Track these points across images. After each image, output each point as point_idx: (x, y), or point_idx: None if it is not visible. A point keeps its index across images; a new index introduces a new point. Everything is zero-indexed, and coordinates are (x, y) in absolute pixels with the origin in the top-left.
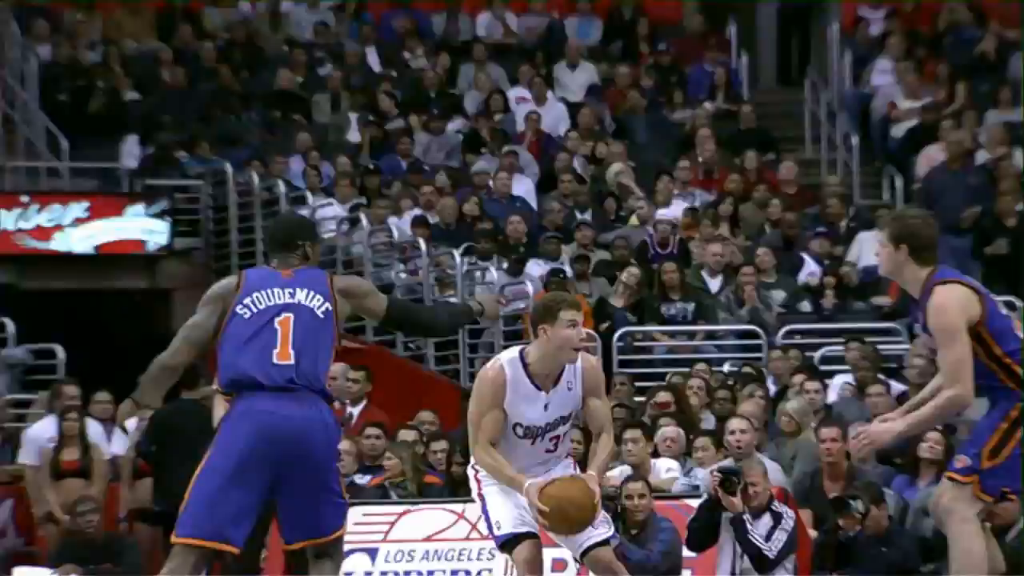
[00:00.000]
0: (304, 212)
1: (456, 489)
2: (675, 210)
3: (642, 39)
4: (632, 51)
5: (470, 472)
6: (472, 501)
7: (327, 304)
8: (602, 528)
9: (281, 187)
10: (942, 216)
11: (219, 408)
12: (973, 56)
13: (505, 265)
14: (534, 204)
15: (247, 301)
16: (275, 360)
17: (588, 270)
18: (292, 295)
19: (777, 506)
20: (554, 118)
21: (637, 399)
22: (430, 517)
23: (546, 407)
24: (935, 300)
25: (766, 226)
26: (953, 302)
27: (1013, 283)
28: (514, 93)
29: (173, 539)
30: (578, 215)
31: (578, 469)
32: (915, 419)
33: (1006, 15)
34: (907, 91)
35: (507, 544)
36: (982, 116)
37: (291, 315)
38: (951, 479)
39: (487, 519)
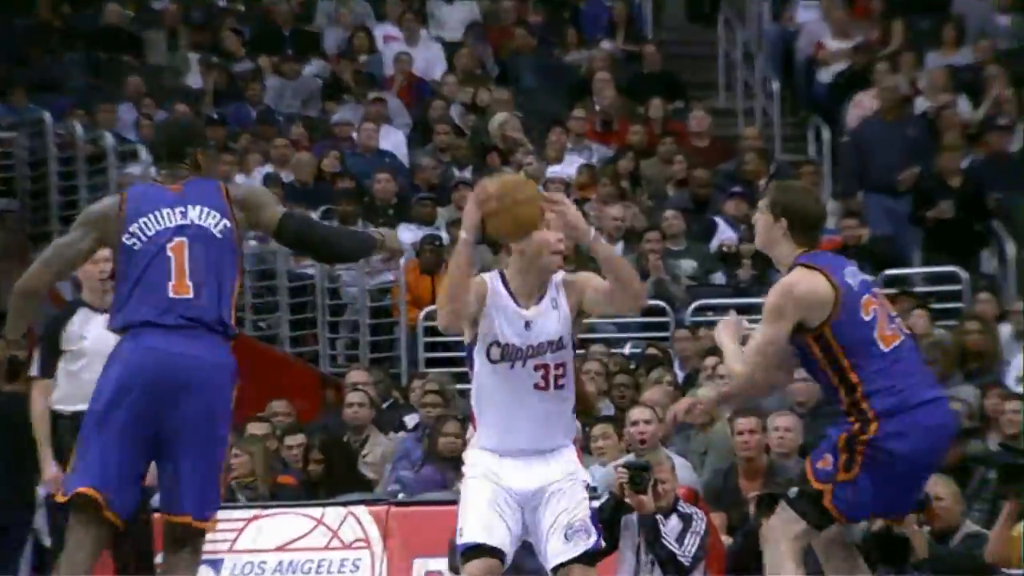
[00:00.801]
0: (136, 170)
1: (314, 491)
2: (569, 167)
3: None
4: None
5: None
6: (331, 504)
7: (224, 220)
8: (579, 540)
9: (109, 139)
10: (876, 174)
11: (36, 400)
12: None
13: (371, 230)
14: (405, 160)
15: (133, 228)
16: (171, 294)
17: None
18: (184, 214)
19: (684, 507)
20: (428, 60)
21: None
22: (284, 523)
23: (527, 325)
24: (781, 279)
25: (671, 186)
26: (795, 289)
27: (958, 251)
28: (381, 31)
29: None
30: (456, 172)
31: (581, 464)
32: (725, 391)
33: None
34: (835, 29)
35: (465, 555)
36: (922, 58)
37: (184, 239)
38: (789, 498)
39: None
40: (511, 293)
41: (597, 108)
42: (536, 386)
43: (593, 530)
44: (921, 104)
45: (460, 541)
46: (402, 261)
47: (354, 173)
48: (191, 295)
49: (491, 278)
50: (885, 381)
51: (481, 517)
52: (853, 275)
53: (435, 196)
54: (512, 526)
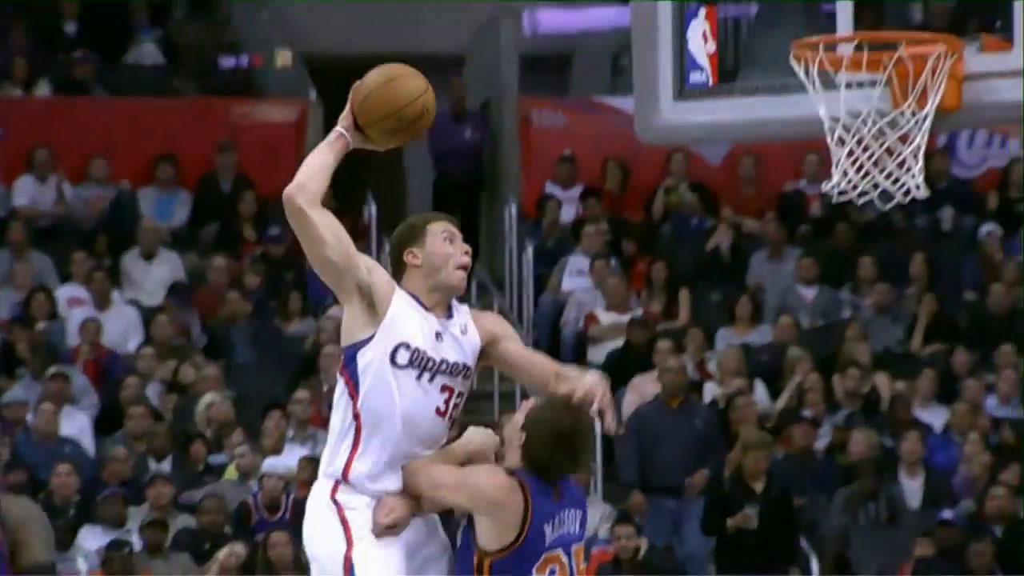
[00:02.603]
0: None
1: None
2: (289, 458)
3: (246, 220)
4: (231, 237)
5: (322, 488)
6: None
7: None
8: None
9: None
10: (657, 472)
11: None
12: (701, 253)
13: None
14: (91, 448)
15: None
16: None
17: (165, 542)
18: None
19: None
20: (121, 328)
21: None
22: None
23: (438, 336)
24: None
25: None
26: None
27: (759, 569)
28: (64, 292)
29: None
30: (152, 465)
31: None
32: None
33: (745, 200)
34: (610, 300)
35: None
36: (712, 336)
37: None
38: None
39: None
40: (419, 303)
41: (324, 389)
42: (437, 410)
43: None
44: (711, 390)
45: None
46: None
47: (28, 463)
48: None
49: (398, 286)
50: None
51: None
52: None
53: (126, 493)
54: None
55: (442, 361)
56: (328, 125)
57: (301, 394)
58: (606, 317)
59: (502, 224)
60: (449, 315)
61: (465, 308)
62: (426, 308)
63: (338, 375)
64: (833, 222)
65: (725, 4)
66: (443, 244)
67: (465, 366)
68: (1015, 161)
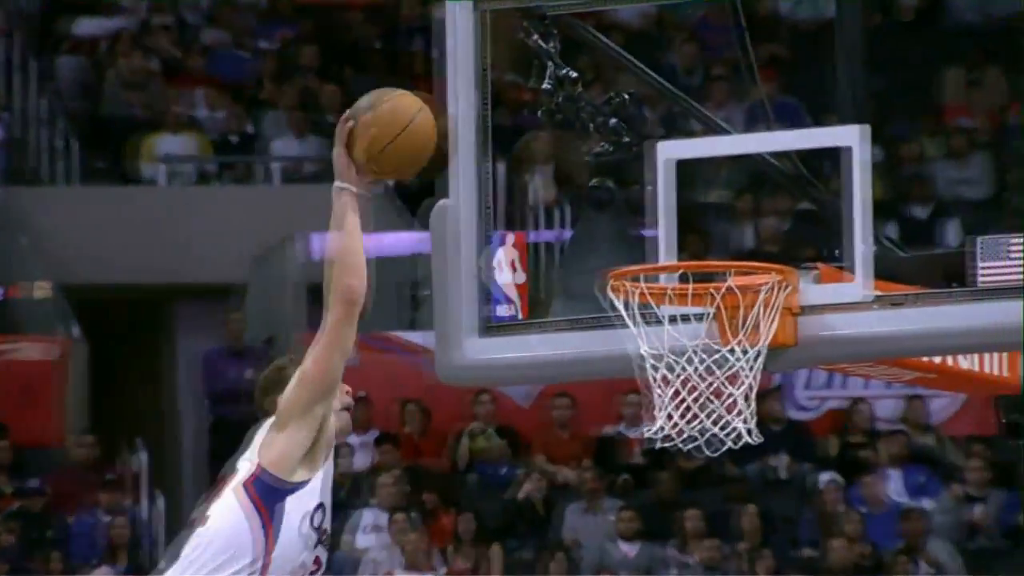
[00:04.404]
0: None
1: None
2: None
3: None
4: None
5: None
6: None
7: None
8: None
9: None
10: None
11: None
12: (510, 505)
13: None
14: None
15: None
16: None
17: None
18: None
19: None
20: None
21: None
22: None
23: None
24: None
25: None
26: None
27: None
28: None
29: None
30: None
31: None
32: None
33: (558, 446)
34: (409, 558)
35: None
36: None
37: None
38: None
39: None
40: None
41: None
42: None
43: None
44: None
45: None
46: None
47: None
48: None
49: None
50: None
51: None
52: None
53: None
54: None
55: (326, 530)
56: (93, 363)
57: None
58: None
59: None
60: None
61: None
62: None
63: (244, 493)
64: (655, 470)
65: (536, 230)
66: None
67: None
68: (857, 402)
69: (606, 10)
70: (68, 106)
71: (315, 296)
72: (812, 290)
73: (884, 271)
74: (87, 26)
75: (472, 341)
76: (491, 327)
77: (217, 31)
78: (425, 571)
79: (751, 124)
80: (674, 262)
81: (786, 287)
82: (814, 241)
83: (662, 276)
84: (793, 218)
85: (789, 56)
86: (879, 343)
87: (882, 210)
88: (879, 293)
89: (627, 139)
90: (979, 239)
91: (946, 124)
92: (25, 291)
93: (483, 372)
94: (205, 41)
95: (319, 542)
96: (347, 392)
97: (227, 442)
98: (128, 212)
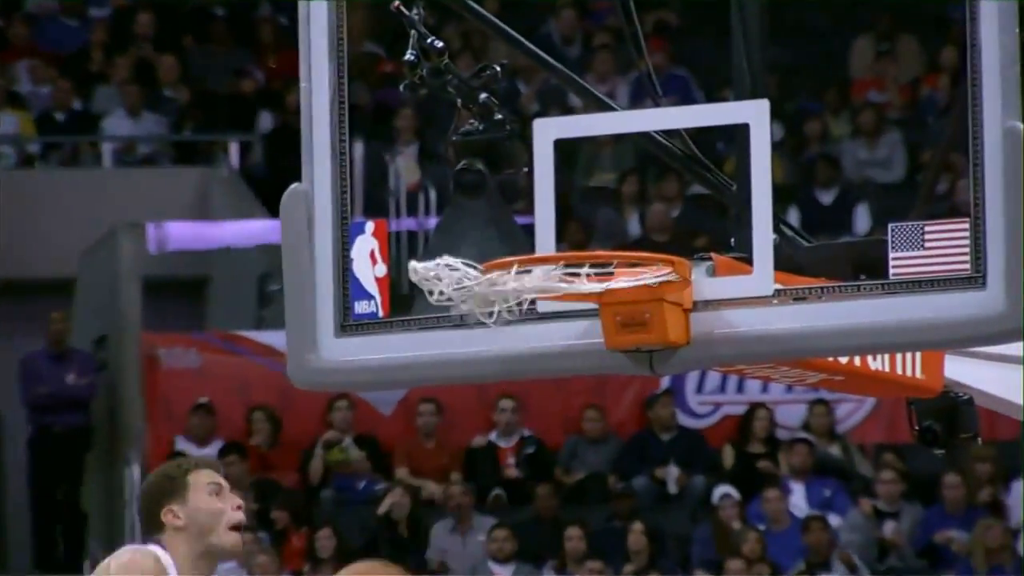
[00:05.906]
0: None
1: None
2: None
3: None
4: None
5: None
6: None
7: None
8: None
9: None
10: None
11: None
12: (371, 523)
13: None
14: None
15: None
16: None
17: None
18: None
19: None
20: None
21: None
22: None
23: None
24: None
25: None
26: None
27: None
28: None
29: None
30: None
31: None
32: None
33: (424, 458)
34: None
35: None
36: None
37: None
38: None
39: None
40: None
41: None
42: None
43: None
44: None
45: None
46: None
47: None
48: None
49: (163, 557)
50: None
51: None
52: None
53: None
54: None
55: None
56: None
57: None
58: None
59: (121, 490)
60: None
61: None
62: None
63: None
64: (532, 484)
65: (399, 217)
66: (210, 499)
67: None
68: (756, 408)
69: None
70: None
71: (151, 290)
72: (706, 283)
73: (786, 262)
74: None
75: (328, 341)
76: (349, 325)
77: None
78: None
79: (637, 99)
80: (552, 253)
81: (677, 279)
82: (707, 229)
83: (540, 268)
84: (684, 203)
85: (679, 24)
86: (780, 342)
87: (784, 194)
88: (780, 286)
89: (499, 116)
90: (891, 226)
91: (854, 99)
92: None
93: (340, 375)
94: (29, 8)
95: None
96: (236, 507)
97: (48, 455)
98: None
